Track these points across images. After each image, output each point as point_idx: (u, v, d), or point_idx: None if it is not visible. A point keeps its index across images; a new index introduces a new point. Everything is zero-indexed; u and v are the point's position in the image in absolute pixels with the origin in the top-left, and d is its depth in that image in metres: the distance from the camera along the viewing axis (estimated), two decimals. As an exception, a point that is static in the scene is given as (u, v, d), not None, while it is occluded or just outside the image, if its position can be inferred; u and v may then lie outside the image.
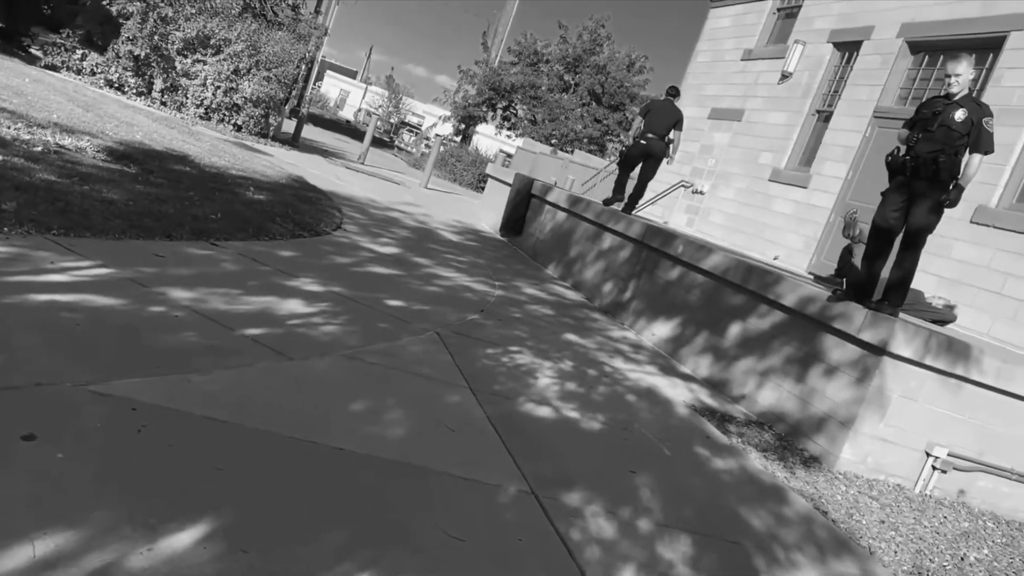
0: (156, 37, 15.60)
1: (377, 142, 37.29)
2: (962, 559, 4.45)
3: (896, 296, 5.71)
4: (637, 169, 10.99)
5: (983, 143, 5.48)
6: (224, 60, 16.33)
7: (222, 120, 16.67)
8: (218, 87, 16.37)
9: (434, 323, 5.91)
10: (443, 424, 3.98)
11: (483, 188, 20.24)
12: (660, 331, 7.95)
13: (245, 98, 16.66)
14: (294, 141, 19.73)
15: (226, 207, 7.47)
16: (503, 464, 3.73)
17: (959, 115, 5.46)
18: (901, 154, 5.76)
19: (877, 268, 5.91)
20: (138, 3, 15.38)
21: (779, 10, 14.59)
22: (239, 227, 6.91)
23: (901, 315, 5.88)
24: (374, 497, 3.04)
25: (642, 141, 10.61)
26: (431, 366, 4.85)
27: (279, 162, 13.66)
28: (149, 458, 2.77)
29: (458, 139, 33.60)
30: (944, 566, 4.27)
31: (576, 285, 10.24)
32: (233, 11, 17.25)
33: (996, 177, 8.98)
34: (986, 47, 9.84)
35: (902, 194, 5.70)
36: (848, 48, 12.46)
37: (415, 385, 4.44)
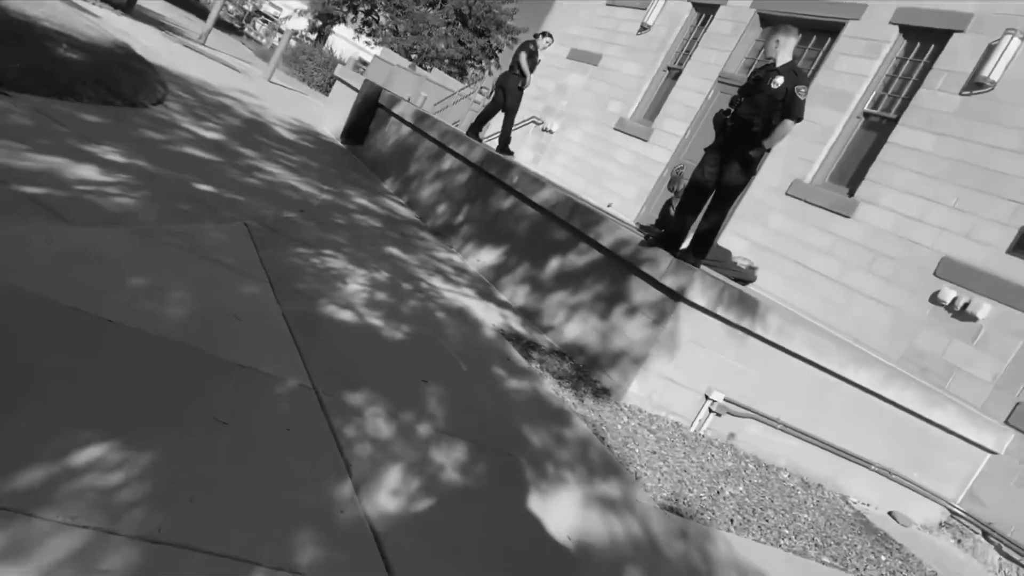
0: None
1: (225, 26, 34.84)
2: (718, 493, 4.82)
3: (700, 247, 6.00)
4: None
5: (795, 110, 5.78)
6: (54, -100, 14.55)
7: (45, -32, 14.94)
8: (44, -71, 14.60)
9: (245, 215, 5.62)
10: (232, 313, 3.81)
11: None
12: (486, 258, 8.00)
13: (75, -52, 14.99)
14: (128, 8, 17.98)
15: (29, 59, 6.71)
16: (289, 359, 3.62)
17: (777, 82, 5.74)
18: (727, 116, 6.00)
19: (689, 221, 6.18)
20: None
21: (648, -39, 14.75)
22: (41, 82, 6.24)
23: (704, 268, 6.20)
24: (137, 373, 2.85)
25: None
26: (232, 255, 4.61)
27: (106, 25, 12.44)
28: None
29: (313, 36, 32.03)
30: (700, 496, 4.61)
31: (411, 203, 10.09)
32: None
33: (815, 154, 9.59)
34: (827, 31, 10.41)
35: (721, 153, 5.96)
36: (706, 10, 12.81)
37: (209, 271, 4.21)
